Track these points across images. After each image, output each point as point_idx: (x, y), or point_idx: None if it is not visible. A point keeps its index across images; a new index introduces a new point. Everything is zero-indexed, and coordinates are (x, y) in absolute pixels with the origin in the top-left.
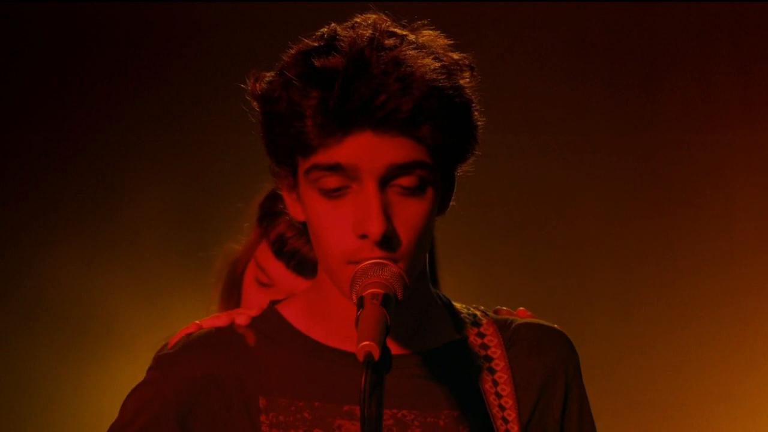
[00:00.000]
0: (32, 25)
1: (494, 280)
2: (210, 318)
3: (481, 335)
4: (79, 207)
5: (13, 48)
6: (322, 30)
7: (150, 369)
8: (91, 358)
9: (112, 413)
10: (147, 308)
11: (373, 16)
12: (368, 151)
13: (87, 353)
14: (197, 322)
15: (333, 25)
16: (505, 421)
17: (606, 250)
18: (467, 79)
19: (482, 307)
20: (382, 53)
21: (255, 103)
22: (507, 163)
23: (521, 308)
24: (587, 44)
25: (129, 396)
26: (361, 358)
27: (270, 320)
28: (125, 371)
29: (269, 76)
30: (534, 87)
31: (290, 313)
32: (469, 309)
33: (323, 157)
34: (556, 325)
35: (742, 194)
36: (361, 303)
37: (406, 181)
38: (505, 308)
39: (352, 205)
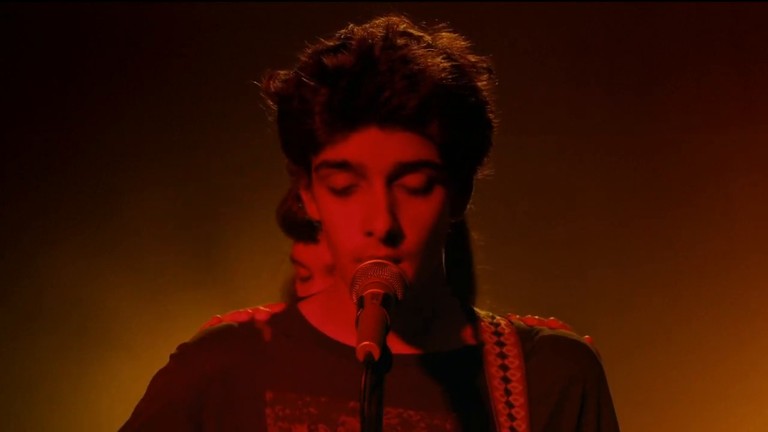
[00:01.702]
0: (32, 25)
1: (494, 280)
2: (232, 313)
3: (501, 344)
4: (79, 207)
5: (13, 48)
6: (340, 31)
7: (171, 356)
8: (91, 358)
9: (112, 413)
10: (147, 308)
11: (396, 18)
12: (374, 148)
13: (87, 353)
14: (218, 316)
15: (351, 25)
16: (513, 431)
17: (605, 249)
18: (484, 81)
19: (516, 316)
20: (392, 52)
21: (270, 102)
22: (506, 163)
23: (552, 318)
24: (587, 44)
25: (152, 380)
26: (360, 357)
27: (288, 317)
28: (125, 371)
29: (283, 74)
30: (534, 87)
31: (308, 310)
32: (493, 317)
33: (331, 153)
34: (587, 337)
35: (741, 194)
36: (361, 303)
37: (413, 179)
38: (536, 317)
39: (360, 203)
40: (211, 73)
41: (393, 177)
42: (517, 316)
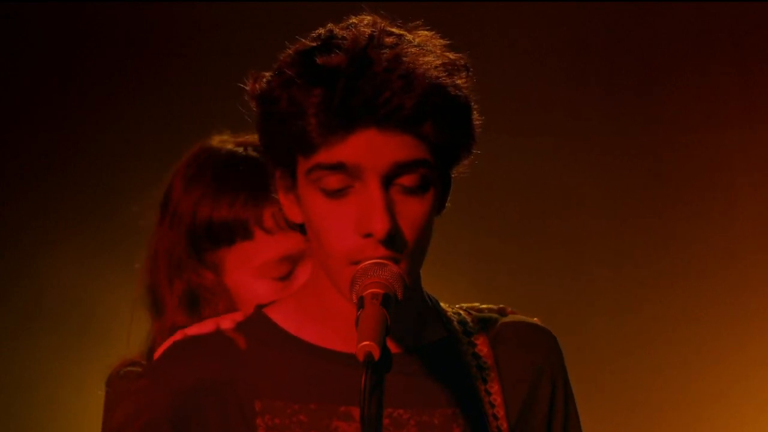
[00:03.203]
0: (32, 25)
1: (494, 281)
2: (195, 326)
3: (468, 333)
4: (79, 207)
5: (13, 48)
6: (318, 30)
7: (140, 376)
8: (91, 358)
9: None
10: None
11: (368, 17)
12: (371, 149)
13: (87, 353)
14: (182, 330)
15: (329, 25)
16: (495, 418)
17: (605, 249)
18: (464, 79)
19: (465, 306)
20: (384, 51)
21: (253, 104)
22: (506, 163)
23: (502, 305)
24: (587, 44)
25: (117, 406)
26: (361, 358)
27: (258, 324)
28: None
29: (269, 75)
30: (534, 87)
31: (279, 316)
32: (453, 308)
33: (325, 156)
34: (536, 319)
35: (742, 193)
36: (361, 303)
37: (408, 179)
38: (485, 306)
39: (354, 205)
40: (211, 73)
41: (389, 177)
42: (465, 305)
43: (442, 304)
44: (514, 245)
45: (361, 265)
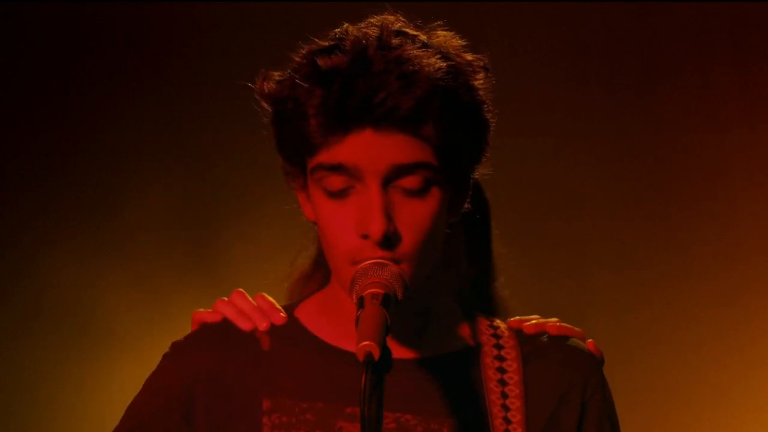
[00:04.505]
0: (32, 25)
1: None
2: (235, 314)
3: (499, 347)
4: (79, 207)
5: (13, 48)
6: (335, 30)
7: (164, 356)
8: (91, 359)
9: (113, 413)
10: (147, 308)
11: (391, 17)
12: (370, 150)
13: (87, 353)
14: (222, 311)
15: (346, 25)
16: None
17: (605, 250)
18: (480, 81)
19: (517, 318)
20: (386, 52)
21: (264, 103)
22: (506, 164)
23: (555, 319)
24: (587, 44)
25: (145, 382)
26: (360, 358)
27: (285, 322)
28: (125, 372)
29: (278, 75)
30: (534, 87)
31: (303, 315)
32: (493, 320)
33: (326, 156)
34: (589, 341)
35: (742, 194)
36: (361, 303)
37: (409, 181)
38: (534, 320)
39: (355, 205)
40: (211, 73)
41: (389, 179)
42: (517, 318)
43: (480, 314)
44: (514, 246)
45: (361, 265)
